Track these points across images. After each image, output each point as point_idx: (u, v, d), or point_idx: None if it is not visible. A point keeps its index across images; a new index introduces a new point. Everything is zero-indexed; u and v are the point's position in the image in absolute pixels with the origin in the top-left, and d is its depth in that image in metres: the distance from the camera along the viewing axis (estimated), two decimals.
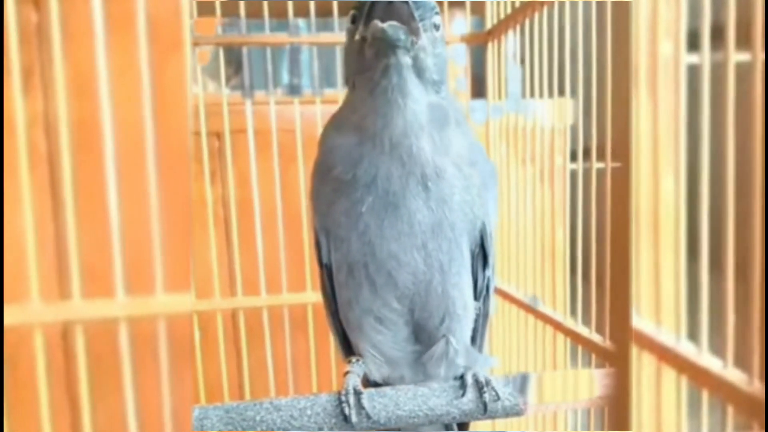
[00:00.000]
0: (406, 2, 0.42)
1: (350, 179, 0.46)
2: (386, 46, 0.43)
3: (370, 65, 0.44)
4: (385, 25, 0.42)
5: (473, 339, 0.55)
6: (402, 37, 0.42)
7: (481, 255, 0.52)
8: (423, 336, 0.51)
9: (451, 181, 0.47)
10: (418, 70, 0.45)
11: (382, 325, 0.50)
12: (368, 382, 0.54)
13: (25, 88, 0.45)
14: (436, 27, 0.46)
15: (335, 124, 0.50)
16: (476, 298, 0.53)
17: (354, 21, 0.45)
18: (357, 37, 0.44)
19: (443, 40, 0.47)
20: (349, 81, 0.48)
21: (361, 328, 0.51)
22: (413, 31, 0.43)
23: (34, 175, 0.45)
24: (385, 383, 0.54)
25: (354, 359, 0.53)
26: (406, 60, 0.44)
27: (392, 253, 0.47)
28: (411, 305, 0.49)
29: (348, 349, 0.56)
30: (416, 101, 0.45)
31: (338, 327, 0.55)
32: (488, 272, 0.53)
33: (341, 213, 0.48)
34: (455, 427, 0.60)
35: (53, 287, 0.48)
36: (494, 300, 0.58)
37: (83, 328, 0.46)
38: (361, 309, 0.50)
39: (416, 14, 0.43)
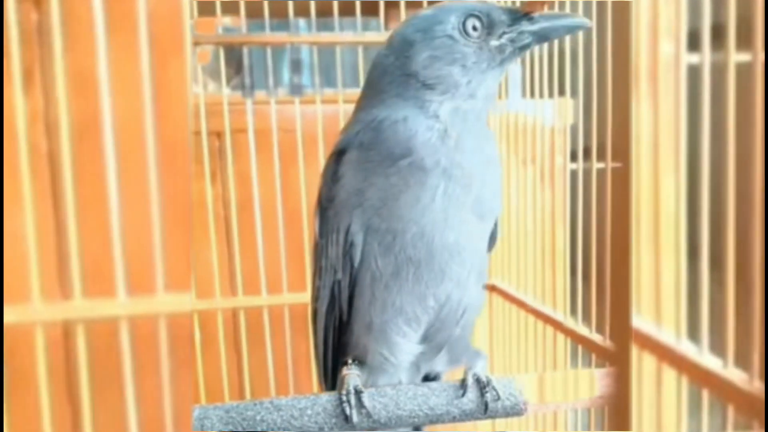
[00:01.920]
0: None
1: (430, 166, 0.46)
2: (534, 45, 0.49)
3: (503, 61, 0.49)
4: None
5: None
6: None
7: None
8: (434, 335, 0.51)
9: (494, 167, 0.50)
10: None
11: (408, 326, 0.50)
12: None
13: (25, 87, 0.45)
14: None
15: (394, 115, 0.48)
16: None
17: (473, 28, 0.48)
18: (496, 42, 0.48)
19: None
20: (427, 84, 0.48)
21: (384, 331, 0.50)
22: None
23: (35, 174, 0.45)
24: None
25: (349, 360, 0.52)
26: None
27: (448, 245, 0.47)
28: (445, 300, 0.49)
29: (333, 366, 0.55)
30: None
31: (333, 341, 0.54)
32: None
33: (405, 204, 0.47)
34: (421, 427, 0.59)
35: (54, 286, 0.48)
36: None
37: (84, 328, 0.46)
38: (394, 310, 0.49)
39: None
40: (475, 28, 0.47)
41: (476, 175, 0.47)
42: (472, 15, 0.47)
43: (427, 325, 0.50)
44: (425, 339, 0.51)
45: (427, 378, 0.56)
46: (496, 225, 0.53)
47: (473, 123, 0.48)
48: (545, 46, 0.63)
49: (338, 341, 0.54)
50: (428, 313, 0.50)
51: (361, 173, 0.48)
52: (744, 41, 0.33)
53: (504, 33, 0.48)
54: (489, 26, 0.48)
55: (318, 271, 0.53)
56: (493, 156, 0.51)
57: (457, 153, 0.47)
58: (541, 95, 0.65)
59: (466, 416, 0.48)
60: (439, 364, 0.54)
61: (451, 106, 0.48)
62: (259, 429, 0.45)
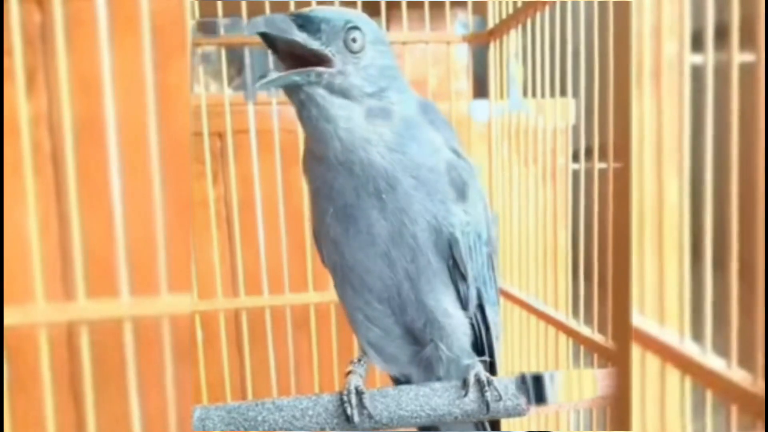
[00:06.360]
0: (299, 42, 0.42)
1: (315, 190, 0.48)
2: (289, 90, 0.43)
3: (290, 99, 0.44)
4: (274, 78, 0.42)
5: (480, 351, 0.53)
6: (297, 78, 0.43)
7: (456, 267, 0.49)
8: (416, 337, 0.51)
9: (408, 190, 0.46)
10: (342, 93, 0.44)
11: (372, 323, 0.51)
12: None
13: (28, 88, 0.45)
14: (354, 40, 0.44)
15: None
16: (464, 308, 0.51)
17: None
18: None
19: (383, 44, 0.46)
20: None
21: (356, 324, 0.52)
22: (319, 62, 0.43)
23: (38, 174, 0.45)
24: (407, 380, 0.54)
25: (357, 359, 0.53)
26: (318, 91, 0.43)
27: (359, 260, 0.48)
28: (391, 307, 0.49)
29: None
30: (349, 120, 0.44)
31: None
32: (470, 282, 0.50)
33: (317, 220, 0.49)
34: (487, 426, 0.59)
35: (58, 287, 0.49)
36: (497, 312, 0.55)
37: (88, 328, 0.46)
38: (350, 306, 0.51)
39: (318, 44, 0.43)
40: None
41: (364, 203, 0.45)
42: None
43: (398, 326, 0.50)
44: (413, 339, 0.51)
45: None
46: (453, 248, 0.48)
47: (374, 119, 0.45)
48: (546, 46, 0.63)
49: None
50: (385, 315, 0.50)
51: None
52: (747, 41, 0.33)
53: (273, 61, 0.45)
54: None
55: None
56: (401, 175, 0.45)
57: (332, 179, 0.45)
58: (543, 95, 0.65)
59: (467, 416, 0.48)
60: (439, 368, 0.53)
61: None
62: (260, 429, 0.45)
